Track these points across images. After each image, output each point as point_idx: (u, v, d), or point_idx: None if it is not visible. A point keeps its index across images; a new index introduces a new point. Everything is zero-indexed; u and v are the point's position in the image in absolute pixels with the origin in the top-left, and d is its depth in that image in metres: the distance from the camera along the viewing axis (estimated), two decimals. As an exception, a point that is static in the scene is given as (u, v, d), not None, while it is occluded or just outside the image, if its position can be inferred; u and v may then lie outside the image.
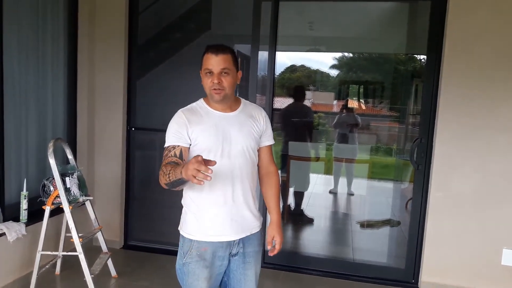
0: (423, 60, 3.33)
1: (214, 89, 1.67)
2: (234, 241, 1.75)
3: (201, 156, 1.33)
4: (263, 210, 3.46)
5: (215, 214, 1.72)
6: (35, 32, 3.17)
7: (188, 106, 1.78)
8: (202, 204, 1.73)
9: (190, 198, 1.76)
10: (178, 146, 1.67)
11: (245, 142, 1.74)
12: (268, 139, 1.87)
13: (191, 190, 1.75)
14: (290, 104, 3.97)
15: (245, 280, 1.80)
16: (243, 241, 1.77)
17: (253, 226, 1.81)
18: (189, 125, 1.68)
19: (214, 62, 1.67)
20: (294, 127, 4.11)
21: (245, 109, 1.81)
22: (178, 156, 1.64)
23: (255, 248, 1.82)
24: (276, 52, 3.36)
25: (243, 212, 1.76)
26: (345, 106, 4.03)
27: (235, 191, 1.72)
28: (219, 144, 1.68)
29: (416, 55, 3.70)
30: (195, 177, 1.30)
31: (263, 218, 1.91)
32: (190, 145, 1.69)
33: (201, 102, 1.78)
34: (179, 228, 1.82)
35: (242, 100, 1.85)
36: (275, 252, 1.88)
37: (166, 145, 1.70)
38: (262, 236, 1.89)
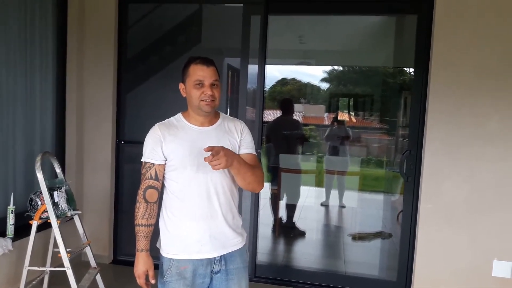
0: (411, 73, 3.37)
1: (204, 100, 1.66)
2: (214, 258, 1.72)
3: (143, 279, 1.78)
4: (250, 226, 3.45)
5: (193, 231, 1.69)
6: (23, 44, 3.15)
7: (166, 120, 1.78)
8: (179, 220, 1.71)
9: (167, 216, 1.74)
10: (153, 165, 1.69)
11: None
12: (247, 147, 1.78)
13: (168, 208, 1.74)
14: (277, 118, 3.96)
15: None
16: (224, 258, 1.74)
17: (235, 242, 1.77)
18: (163, 141, 1.68)
19: (206, 74, 1.67)
20: (282, 141, 4.10)
21: (223, 123, 1.79)
22: (154, 178, 1.69)
23: (238, 265, 1.77)
24: (266, 66, 3.37)
25: (222, 228, 1.72)
26: (335, 119, 4.06)
27: (212, 206, 1.69)
28: (193, 159, 1.66)
29: (404, 68, 3.74)
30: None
31: (246, 234, 1.88)
32: (166, 160, 1.70)
33: (179, 117, 1.78)
34: (157, 245, 1.79)
35: (221, 114, 1.83)
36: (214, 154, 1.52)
37: (143, 159, 1.72)
38: (246, 252, 1.86)
